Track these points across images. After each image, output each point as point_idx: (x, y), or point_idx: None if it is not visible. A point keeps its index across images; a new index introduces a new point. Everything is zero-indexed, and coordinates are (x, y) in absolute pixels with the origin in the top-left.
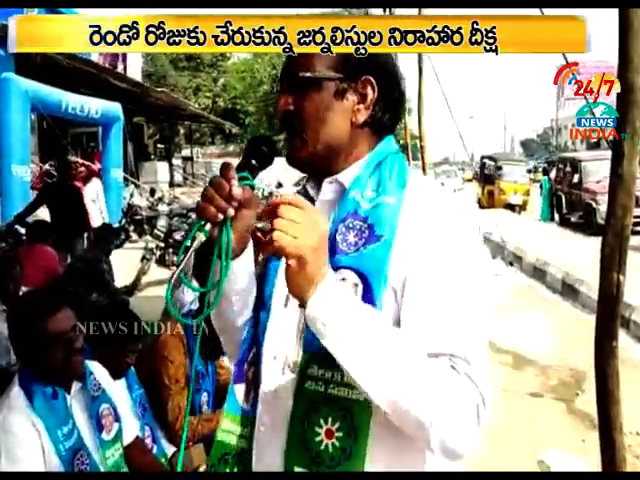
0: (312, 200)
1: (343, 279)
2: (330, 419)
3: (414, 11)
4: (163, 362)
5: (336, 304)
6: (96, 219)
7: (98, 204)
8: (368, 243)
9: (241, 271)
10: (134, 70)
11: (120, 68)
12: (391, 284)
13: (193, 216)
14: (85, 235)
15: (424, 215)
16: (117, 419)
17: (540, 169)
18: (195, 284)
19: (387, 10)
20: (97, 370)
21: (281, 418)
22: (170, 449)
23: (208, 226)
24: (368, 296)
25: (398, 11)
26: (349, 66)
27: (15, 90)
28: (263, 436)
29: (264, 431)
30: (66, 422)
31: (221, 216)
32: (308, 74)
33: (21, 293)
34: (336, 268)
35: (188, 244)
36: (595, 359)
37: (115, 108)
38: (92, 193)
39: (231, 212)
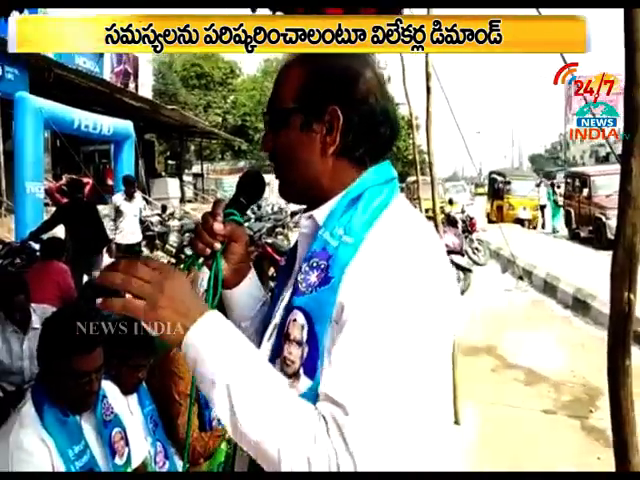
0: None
1: (294, 320)
2: None
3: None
4: (173, 378)
5: (209, 343)
6: (136, 235)
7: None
8: (320, 285)
9: (243, 298)
10: (145, 88)
11: (132, 86)
12: (335, 327)
13: None
14: (105, 250)
15: (375, 255)
16: (128, 443)
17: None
18: None
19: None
20: (110, 391)
21: None
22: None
23: (201, 260)
24: (312, 339)
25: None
26: (312, 97)
27: (29, 109)
28: None
29: None
30: (78, 442)
31: (209, 250)
32: (272, 110)
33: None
34: (292, 308)
35: None
36: (608, 378)
37: (126, 126)
38: (135, 209)
39: (217, 246)
